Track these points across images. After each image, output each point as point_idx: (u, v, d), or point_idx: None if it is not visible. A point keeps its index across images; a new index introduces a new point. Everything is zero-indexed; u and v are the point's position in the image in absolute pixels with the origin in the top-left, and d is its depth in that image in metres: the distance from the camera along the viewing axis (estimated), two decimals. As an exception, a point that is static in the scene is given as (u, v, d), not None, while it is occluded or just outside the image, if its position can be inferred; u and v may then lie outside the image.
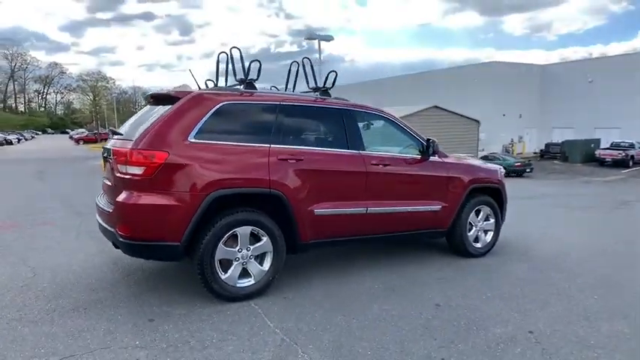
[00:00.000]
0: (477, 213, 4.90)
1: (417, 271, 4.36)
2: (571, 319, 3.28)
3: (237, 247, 3.42)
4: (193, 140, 3.29)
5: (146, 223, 3.17)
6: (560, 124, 35.62)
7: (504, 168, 5.72)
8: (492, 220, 5.02)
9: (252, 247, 3.48)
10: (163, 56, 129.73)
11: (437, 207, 4.51)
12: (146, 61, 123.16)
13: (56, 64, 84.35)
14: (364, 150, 4.09)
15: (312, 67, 4.35)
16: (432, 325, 3.11)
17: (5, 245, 5.04)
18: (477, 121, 29.41)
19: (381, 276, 4.16)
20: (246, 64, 3.84)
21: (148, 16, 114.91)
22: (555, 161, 30.78)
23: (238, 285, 3.44)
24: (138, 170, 3.14)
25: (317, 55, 20.68)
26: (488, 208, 4.97)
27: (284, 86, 4.38)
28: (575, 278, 4.27)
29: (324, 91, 4.21)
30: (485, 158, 26.02)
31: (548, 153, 32.54)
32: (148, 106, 3.83)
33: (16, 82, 78.34)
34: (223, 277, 3.36)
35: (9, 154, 29.04)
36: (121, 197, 3.19)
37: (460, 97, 33.84)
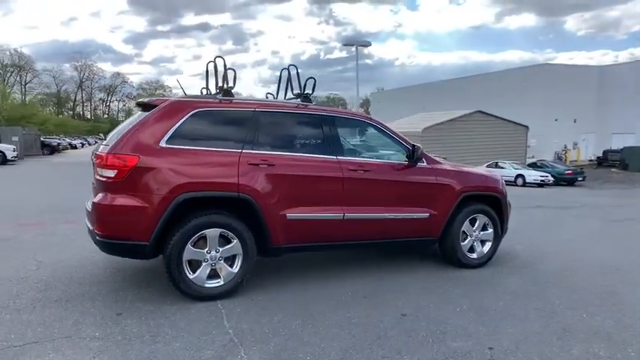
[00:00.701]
0: (473, 222, 4.72)
1: (401, 279, 4.28)
2: (543, 337, 3.09)
3: (207, 249, 3.54)
4: (165, 145, 3.46)
5: (117, 223, 3.36)
6: (621, 130, 33.21)
7: (553, 176, 5.30)
8: (490, 230, 4.82)
9: (221, 249, 3.58)
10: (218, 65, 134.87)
11: (424, 215, 4.40)
12: (201, 69, 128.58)
13: (119, 74, 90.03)
14: (342, 156, 4.09)
15: (297, 74, 4.40)
16: (387, 334, 3.05)
17: (23, 241, 5.48)
18: (526, 127, 28.11)
19: (362, 282, 4.13)
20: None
21: (204, 27, 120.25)
22: (613, 169, 28.74)
23: (206, 285, 3.55)
24: (111, 173, 3.35)
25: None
26: (486, 218, 4.77)
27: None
28: (572, 294, 4.01)
29: (305, 98, 4.25)
30: (533, 165, 24.78)
31: (606, 161, 30.47)
32: (139, 113, 4.06)
33: (84, 92, 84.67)
34: (191, 276, 3.49)
35: (70, 157, 31.39)
36: (97, 198, 3.41)
37: (508, 101, 32.48)
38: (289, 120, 4.06)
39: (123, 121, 4.86)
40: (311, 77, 4.24)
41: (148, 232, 3.35)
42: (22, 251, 4.98)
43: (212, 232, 3.53)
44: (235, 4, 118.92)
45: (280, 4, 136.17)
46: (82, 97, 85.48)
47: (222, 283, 3.60)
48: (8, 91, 64.53)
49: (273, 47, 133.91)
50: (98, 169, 3.47)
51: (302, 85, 4.34)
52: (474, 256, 4.76)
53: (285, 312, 3.39)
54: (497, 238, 4.87)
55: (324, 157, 4.00)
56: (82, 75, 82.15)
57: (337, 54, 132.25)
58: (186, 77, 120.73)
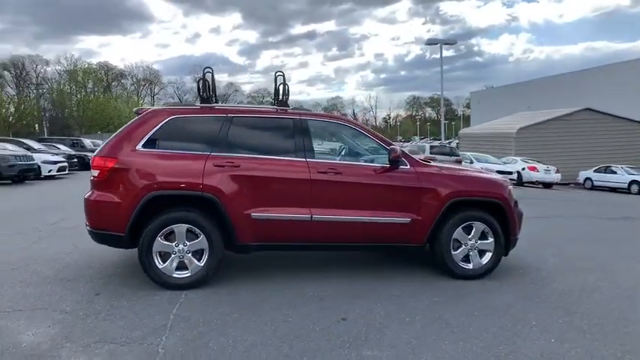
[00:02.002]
0: (468, 230, 4.41)
1: (375, 285, 4.19)
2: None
3: (175, 243, 3.90)
4: (141, 149, 3.91)
5: (99, 216, 3.90)
6: None
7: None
8: (491, 240, 4.45)
9: (189, 244, 3.91)
10: (323, 71, 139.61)
11: (405, 220, 4.25)
12: (307, 76, 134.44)
13: (231, 83, 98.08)
14: (313, 158, 4.16)
15: (284, 80, 4.57)
16: (309, 335, 3.08)
17: (74, 230, 6.38)
18: (646, 125, 24.24)
19: (331, 285, 4.14)
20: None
21: (310, 35, 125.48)
22: None
23: (174, 275, 3.91)
24: (96, 173, 3.90)
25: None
26: (484, 226, 4.42)
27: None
28: (564, 316, 3.56)
29: (281, 102, 4.40)
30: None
31: None
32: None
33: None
34: (160, 266, 3.88)
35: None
36: (87, 195, 3.99)
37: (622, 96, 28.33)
38: (262, 124, 4.26)
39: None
40: (282, 83, 4.37)
41: (123, 225, 3.82)
42: (67, 239, 5.85)
43: (180, 228, 3.88)
44: (340, 11, 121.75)
45: (385, 7, 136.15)
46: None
47: (189, 274, 3.93)
48: (141, 102, 75.03)
49: (377, 50, 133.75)
50: (91, 169, 4.05)
51: (285, 91, 4.49)
52: (470, 266, 4.44)
53: (233, 306, 3.60)
54: (500, 248, 4.47)
55: (292, 159, 4.11)
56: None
57: (444, 53, 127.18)
58: (294, 84, 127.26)
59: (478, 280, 4.40)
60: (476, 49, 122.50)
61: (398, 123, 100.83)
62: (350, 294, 3.92)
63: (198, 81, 4.29)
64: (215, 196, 3.88)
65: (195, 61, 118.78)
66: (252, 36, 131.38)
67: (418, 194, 4.28)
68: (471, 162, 18.72)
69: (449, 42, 21.11)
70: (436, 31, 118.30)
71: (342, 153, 4.55)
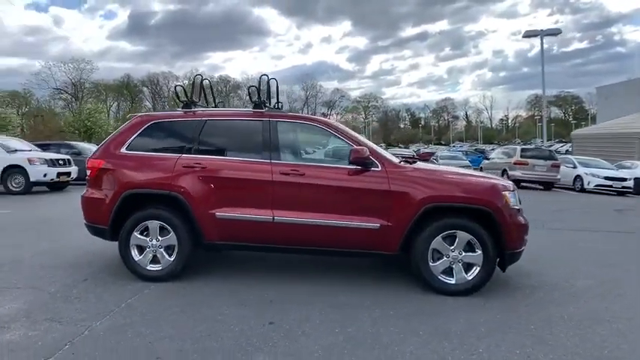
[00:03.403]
0: (451, 240, 3.97)
1: (338, 291, 4.02)
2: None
3: (149, 238, 4.22)
4: (124, 151, 4.32)
5: (91, 211, 4.39)
6: None
7: None
8: (479, 252, 3.94)
9: (161, 239, 4.20)
10: (435, 72, 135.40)
11: (373, 225, 3.99)
12: (418, 78, 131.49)
13: (338, 89, 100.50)
14: (279, 159, 4.14)
15: (268, 84, 4.64)
16: (220, 336, 3.07)
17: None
18: None
19: (291, 288, 4.09)
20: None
21: (422, 37, 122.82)
22: None
23: (148, 268, 4.22)
24: (89, 173, 4.41)
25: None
26: (470, 236, 3.94)
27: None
28: (531, 352, 3.02)
29: (256, 105, 4.45)
30: None
31: None
32: None
33: (309, 107, 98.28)
34: (136, 259, 4.22)
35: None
36: (83, 192, 4.53)
37: None
38: (232, 127, 4.39)
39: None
40: (253, 86, 4.43)
41: (106, 219, 4.25)
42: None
43: (153, 224, 4.19)
44: (454, 10, 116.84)
45: (504, 0, 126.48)
46: (307, 112, 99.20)
47: (161, 268, 4.21)
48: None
49: (495, 47, 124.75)
50: (88, 170, 4.59)
51: (269, 93, 4.56)
52: (452, 281, 3.98)
53: (183, 300, 3.76)
54: (489, 263, 3.93)
55: (256, 161, 4.15)
56: (307, 93, 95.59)
57: (575, 45, 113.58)
58: (404, 87, 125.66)
59: (463, 296, 3.93)
60: (617, 38, 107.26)
61: (516, 124, 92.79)
62: (303, 300, 3.80)
63: (176, 87, 4.58)
64: (182, 195, 4.11)
65: (307, 70, 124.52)
66: (361, 42, 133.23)
67: (388, 198, 3.99)
68: (574, 167, 16.47)
69: (551, 32, 18.83)
70: (566, 21, 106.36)
71: (322, 155, 4.45)
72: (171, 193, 4.12)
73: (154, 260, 4.23)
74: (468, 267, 3.99)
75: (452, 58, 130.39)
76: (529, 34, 19.54)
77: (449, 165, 20.53)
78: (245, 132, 4.36)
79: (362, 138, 4.40)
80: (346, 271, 4.69)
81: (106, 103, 63.32)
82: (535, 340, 3.11)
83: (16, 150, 11.87)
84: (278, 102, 5.03)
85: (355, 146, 4.07)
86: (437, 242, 3.97)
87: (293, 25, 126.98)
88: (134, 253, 4.23)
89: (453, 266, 3.98)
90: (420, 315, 3.53)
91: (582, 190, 15.61)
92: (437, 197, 3.95)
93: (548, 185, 15.93)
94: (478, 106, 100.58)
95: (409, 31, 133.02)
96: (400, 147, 60.77)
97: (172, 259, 4.19)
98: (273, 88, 4.79)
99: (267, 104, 4.66)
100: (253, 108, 4.44)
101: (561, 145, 38.73)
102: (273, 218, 4.06)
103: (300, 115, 4.54)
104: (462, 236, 3.95)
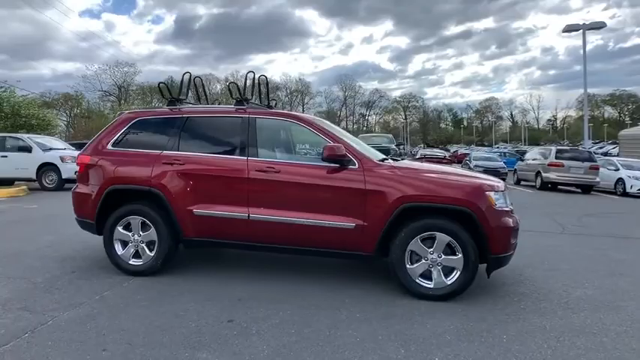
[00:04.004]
0: (429, 242, 3.79)
1: (315, 291, 3.94)
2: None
3: (132, 233, 4.31)
4: (110, 148, 4.44)
5: (79, 206, 4.54)
6: None
7: None
8: (459, 256, 3.74)
9: (142, 234, 4.28)
10: (480, 71, 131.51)
11: (348, 225, 3.87)
12: (462, 77, 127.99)
13: (377, 89, 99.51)
14: (256, 156, 4.11)
15: (253, 81, 4.63)
16: (172, 331, 3.08)
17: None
18: None
19: (265, 286, 4.05)
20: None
21: (466, 35, 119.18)
22: None
23: (130, 262, 4.31)
24: (78, 168, 4.57)
25: None
26: (449, 238, 3.74)
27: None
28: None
29: (239, 102, 4.44)
30: None
31: None
32: None
33: (347, 108, 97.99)
34: (120, 253, 4.33)
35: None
36: (73, 188, 4.69)
37: None
38: (213, 123, 4.40)
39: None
40: (233, 82, 4.42)
41: (92, 214, 4.38)
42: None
43: (135, 219, 4.28)
44: (500, 6, 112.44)
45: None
46: (345, 112, 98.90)
47: (142, 262, 4.29)
48: (293, 111, 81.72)
49: (545, 44, 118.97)
50: (79, 166, 4.75)
51: (244, 91, 4.54)
52: (430, 284, 3.80)
53: (154, 294, 3.81)
54: (470, 267, 3.72)
55: (233, 158, 4.15)
56: (346, 94, 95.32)
57: (635, 40, 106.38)
58: (447, 86, 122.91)
59: (442, 301, 3.74)
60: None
61: (565, 125, 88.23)
62: (273, 299, 3.74)
63: (159, 84, 4.65)
64: (161, 191, 4.16)
65: (348, 71, 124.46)
66: (403, 41, 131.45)
67: (364, 197, 3.86)
68: (616, 169, 15.41)
69: (595, 26, 17.68)
70: (624, 15, 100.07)
71: (301, 152, 4.37)
72: (151, 189, 4.19)
73: (136, 255, 4.32)
74: (449, 271, 3.79)
75: (498, 57, 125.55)
76: (570, 29, 18.41)
77: (482, 166, 19.83)
78: (225, 129, 4.36)
79: (341, 135, 4.29)
80: (327, 271, 4.58)
81: (151, 105, 66.10)
82: (501, 350, 2.90)
83: (50, 148, 12.57)
84: (269, 99, 5.01)
85: (330, 143, 3.97)
86: (414, 244, 3.80)
87: (334, 25, 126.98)
88: (117, 247, 4.34)
89: (432, 269, 3.80)
90: (388, 319, 3.39)
91: (624, 194, 14.56)
92: (414, 197, 3.78)
93: (586, 188, 14.99)
94: (524, 106, 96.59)
95: (453, 30, 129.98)
96: (431, 147, 59.43)
97: (153, 254, 4.25)
98: (271, 86, 4.77)
99: (253, 101, 4.65)
100: (235, 105, 4.44)
101: (613, 146, 36.28)
102: (249, 216, 4.04)
103: (280, 111, 4.48)
104: (441, 238, 3.75)
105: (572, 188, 15.44)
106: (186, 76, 4.77)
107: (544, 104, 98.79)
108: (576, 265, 5.16)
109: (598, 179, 14.68)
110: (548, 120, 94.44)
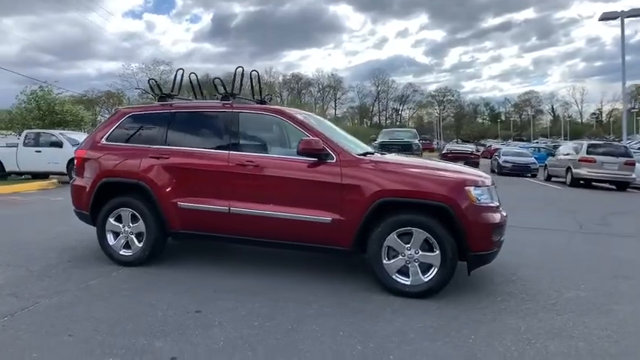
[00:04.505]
0: (406, 237, 3.72)
1: (293, 284, 3.95)
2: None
3: (122, 224, 4.46)
4: (104, 143, 4.61)
5: (76, 198, 4.74)
6: None
7: None
8: (437, 252, 3.64)
9: (132, 226, 4.42)
10: (519, 64, 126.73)
11: (325, 219, 3.85)
12: (500, 71, 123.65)
13: (410, 84, 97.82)
14: (237, 150, 4.15)
15: (236, 74, 4.65)
16: (137, 320, 3.17)
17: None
18: None
19: (246, 279, 4.08)
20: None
21: (504, 27, 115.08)
22: None
23: (121, 252, 4.46)
24: (75, 162, 4.76)
25: None
26: (426, 234, 3.65)
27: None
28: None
29: (224, 97, 4.48)
30: None
31: None
32: None
33: (380, 103, 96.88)
34: (111, 244, 4.49)
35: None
36: (71, 181, 4.90)
37: None
38: (199, 118, 4.47)
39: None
40: (217, 77, 4.48)
41: (87, 206, 4.57)
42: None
43: (125, 211, 4.42)
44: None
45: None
46: (378, 108, 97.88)
47: (131, 253, 4.44)
48: (325, 107, 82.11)
49: (590, 34, 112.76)
50: (78, 159, 4.94)
51: (235, 86, 4.59)
52: (407, 281, 3.72)
53: (139, 284, 3.93)
54: (448, 264, 3.61)
55: (216, 152, 4.20)
56: (378, 89, 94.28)
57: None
58: (485, 80, 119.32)
59: (420, 298, 3.66)
60: None
61: (612, 119, 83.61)
62: (248, 291, 3.77)
63: (149, 80, 4.76)
64: (148, 185, 4.28)
65: (382, 66, 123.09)
66: (438, 35, 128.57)
67: (340, 192, 3.82)
68: (656, 164, 14.46)
69: (635, 13, 16.59)
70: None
71: (282, 146, 4.37)
72: (139, 182, 4.32)
73: (127, 246, 4.47)
74: (426, 268, 3.70)
75: (539, 49, 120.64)
76: (607, 17, 17.34)
77: (511, 162, 19.14)
78: (210, 123, 4.42)
79: (324, 130, 4.24)
80: (311, 266, 4.56)
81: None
82: (463, 351, 2.81)
83: (79, 143, 13.14)
84: (261, 94, 5.03)
85: (308, 137, 3.94)
86: (391, 239, 3.73)
87: (368, 20, 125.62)
88: (110, 238, 4.50)
89: (409, 266, 3.72)
90: (357, 315, 3.35)
91: (664, 191, 13.67)
92: (390, 192, 3.70)
93: (621, 185, 14.17)
94: (566, 100, 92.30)
95: (491, 22, 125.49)
96: (466, 142, 57.87)
97: (141, 245, 4.39)
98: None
99: (242, 97, 4.69)
100: (221, 99, 4.49)
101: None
102: (229, 209, 4.09)
103: (263, 106, 4.48)
104: (418, 234, 3.66)
105: (607, 185, 14.64)
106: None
107: (588, 97, 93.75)
108: (580, 265, 4.90)
109: (634, 175, 13.83)
110: (593, 114, 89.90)
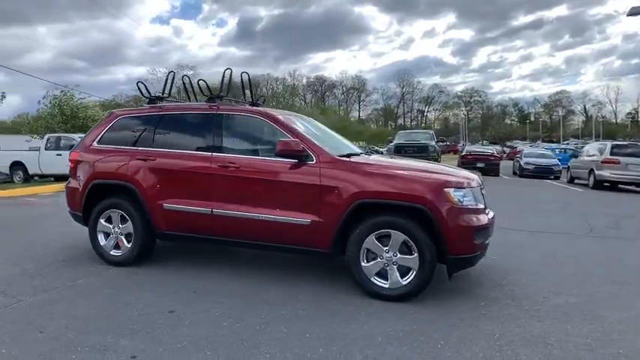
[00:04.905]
0: (385, 240, 3.65)
1: (275, 287, 3.93)
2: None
3: (112, 225, 4.56)
4: (96, 145, 4.73)
5: (70, 199, 4.88)
6: None
7: None
8: (415, 255, 3.57)
9: (121, 227, 4.52)
10: (551, 62, 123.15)
11: (304, 221, 3.82)
12: (531, 70, 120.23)
13: (436, 85, 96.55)
14: (220, 152, 4.18)
15: (230, 78, 4.71)
16: (113, 317, 3.24)
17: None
18: None
19: (230, 281, 4.10)
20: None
21: (536, 25, 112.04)
22: None
23: (111, 253, 4.56)
24: (70, 164, 4.91)
25: None
26: (404, 236, 3.58)
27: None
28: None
29: (210, 99, 4.51)
30: None
31: None
32: None
33: (405, 104, 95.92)
34: (102, 244, 4.60)
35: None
36: (66, 183, 5.04)
37: None
38: (184, 120, 4.52)
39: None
40: (202, 79, 4.51)
41: (80, 207, 4.70)
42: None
43: (114, 213, 4.53)
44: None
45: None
46: (403, 109, 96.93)
47: (121, 253, 4.53)
48: (349, 109, 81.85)
49: (627, 31, 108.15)
50: (72, 162, 5.08)
51: (226, 87, 4.63)
52: (386, 284, 3.66)
53: (123, 284, 4.01)
54: (426, 267, 3.53)
55: (199, 154, 4.24)
56: (403, 90, 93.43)
57: None
58: (515, 80, 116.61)
59: (399, 302, 3.59)
60: None
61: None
62: (226, 293, 3.78)
63: (138, 83, 4.85)
64: (135, 186, 4.37)
65: (408, 66, 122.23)
66: (466, 34, 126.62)
67: (319, 193, 3.79)
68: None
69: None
70: None
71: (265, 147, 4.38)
72: (126, 184, 4.41)
73: (117, 246, 4.57)
74: (405, 271, 3.62)
75: (572, 47, 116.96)
76: (635, 12, 16.62)
77: (533, 164, 18.58)
78: (196, 125, 4.46)
79: (306, 130, 4.22)
80: (294, 267, 4.53)
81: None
82: (429, 357, 2.73)
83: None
84: (253, 96, 5.07)
85: (288, 138, 3.93)
86: (370, 242, 3.67)
87: (394, 21, 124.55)
88: (101, 238, 4.61)
89: (387, 268, 3.65)
90: (331, 317, 3.31)
91: (695, 194, 12.94)
92: (367, 193, 3.65)
93: (649, 188, 13.52)
94: (600, 99, 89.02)
95: (521, 20, 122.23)
96: (494, 143, 56.51)
97: (129, 245, 4.48)
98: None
99: (230, 98, 4.73)
100: (207, 101, 4.54)
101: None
102: (212, 211, 4.12)
103: (247, 107, 4.49)
104: (396, 236, 3.59)
105: (634, 187, 13.99)
106: (171, 75, 4.91)
107: (623, 96, 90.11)
108: (579, 270, 4.70)
109: (661, 178, 13.17)
110: (628, 113, 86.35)
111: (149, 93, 4.80)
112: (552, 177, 18.26)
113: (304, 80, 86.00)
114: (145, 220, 4.39)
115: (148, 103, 4.81)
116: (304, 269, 4.50)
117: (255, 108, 4.43)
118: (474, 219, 3.62)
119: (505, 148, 46.69)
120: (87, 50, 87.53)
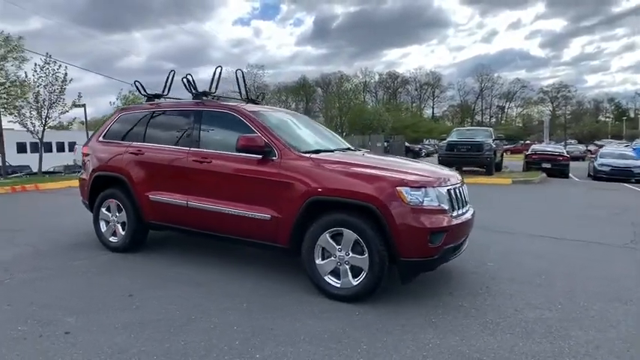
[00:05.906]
0: (339, 238, 3.57)
1: (249, 281, 4.03)
2: None
3: (111, 214, 4.96)
4: (101, 140, 5.16)
5: (81, 190, 5.37)
6: None
7: None
8: (365, 256, 3.45)
9: (118, 216, 4.89)
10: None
11: (265, 216, 3.86)
12: (634, 61, 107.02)
13: (518, 79, 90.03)
14: (197, 147, 4.34)
15: (217, 73, 4.83)
16: (76, 298, 3.54)
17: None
18: None
19: (205, 272, 4.25)
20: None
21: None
22: None
23: (110, 239, 4.96)
24: (82, 157, 5.40)
25: None
26: (355, 235, 3.47)
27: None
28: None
29: (195, 95, 4.69)
30: None
31: None
32: None
33: (483, 100, 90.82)
34: (103, 231, 5.02)
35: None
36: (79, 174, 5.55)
37: None
38: (173, 117, 4.75)
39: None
40: (189, 74, 4.67)
41: (87, 196, 5.17)
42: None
43: (112, 202, 4.91)
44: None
45: None
46: (481, 105, 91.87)
47: (117, 240, 4.91)
48: (423, 105, 79.54)
49: None
50: (84, 156, 5.56)
51: (214, 85, 4.78)
52: (338, 284, 3.58)
53: (108, 268, 4.38)
54: (376, 268, 3.39)
55: (180, 148, 4.45)
56: (482, 85, 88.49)
57: None
58: (614, 72, 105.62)
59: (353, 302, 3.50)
60: None
61: None
62: (199, 282, 3.94)
63: (135, 82, 5.17)
64: (127, 178, 4.71)
65: (490, 61, 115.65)
66: (558, 24, 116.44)
67: (277, 189, 3.80)
68: None
69: None
70: None
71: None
72: (119, 176, 4.77)
73: (114, 233, 4.96)
74: (358, 271, 3.51)
75: None
76: None
77: (609, 165, 16.67)
78: (181, 121, 4.66)
79: (276, 126, 4.22)
80: (270, 263, 4.56)
81: (286, 104, 71.23)
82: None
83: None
84: (247, 93, 5.15)
85: (251, 134, 3.98)
86: (324, 240, 3.61)
87: (476, 13, 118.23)
88: (102, 225, 5.03)
89: (341, 268, 3.56)
90: (272, 313, 3.31)
91: None
92: (319, 190, 3.58)
93: None
94: None
95: (624, 5, 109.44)
96: (580, 142, 51.47)
97: (123, 233, 4.83)
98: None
99: (220, 95, 4.89)
100: (193, 98, 4.73)
101: None
102: (187, 203, 4.31)
103: (224, 104, 4.57)
104: (348, 235, 3.49)
105: None
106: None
107: None
108: (578, 284, 4.16)
109: None
110: None
111: (145, 91, 5.13)
112: (633, 180, 16.23)
113: (376, 77, 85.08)
114: (136, 210, 4.71)
115: (147, 101, 5.14)
116: (275, 265, 4.51)
117: (229, 104, 4.51)
118: (432, 220, 3.39)
119: (590, 147, 42.31)
120: (175, 52, 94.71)
